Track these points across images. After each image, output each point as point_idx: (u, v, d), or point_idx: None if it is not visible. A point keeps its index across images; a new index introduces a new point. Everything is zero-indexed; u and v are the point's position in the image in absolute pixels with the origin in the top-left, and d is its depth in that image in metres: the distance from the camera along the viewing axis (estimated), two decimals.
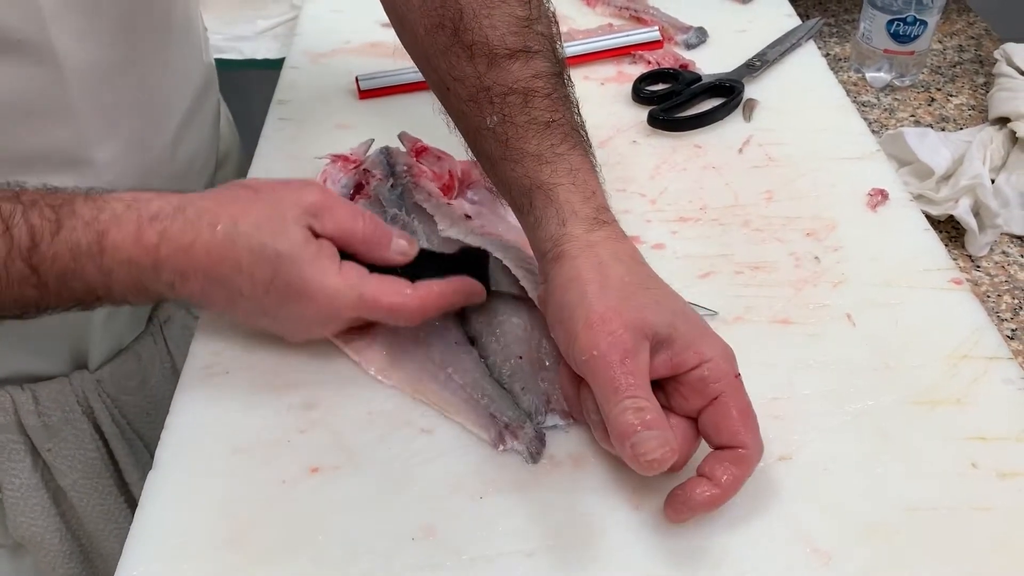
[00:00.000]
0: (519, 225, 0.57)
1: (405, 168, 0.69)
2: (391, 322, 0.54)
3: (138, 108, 0.64)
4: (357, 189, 0.68)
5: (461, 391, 0.54)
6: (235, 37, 1.07)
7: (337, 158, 0.69)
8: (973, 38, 1.06)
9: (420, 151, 0.71)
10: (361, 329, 0.57)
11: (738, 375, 0.47)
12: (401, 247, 0.54)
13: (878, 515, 0.48)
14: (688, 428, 0.47)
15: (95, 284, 0.48)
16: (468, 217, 0.65)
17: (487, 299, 0.58)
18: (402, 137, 0.74)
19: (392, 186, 0.68)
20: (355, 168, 0.69)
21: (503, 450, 0.51)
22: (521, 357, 0.55)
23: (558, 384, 0.53)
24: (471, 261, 0.57)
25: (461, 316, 0.59)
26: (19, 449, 0.68)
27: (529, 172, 0.53)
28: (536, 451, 0.51)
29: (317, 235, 0.51)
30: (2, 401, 0.66)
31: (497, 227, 0.64)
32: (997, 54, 0.94)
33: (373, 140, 0.73)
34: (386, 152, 0.71)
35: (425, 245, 0.60)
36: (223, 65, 1.06)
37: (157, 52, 0.65)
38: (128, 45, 0.61)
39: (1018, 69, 0.91)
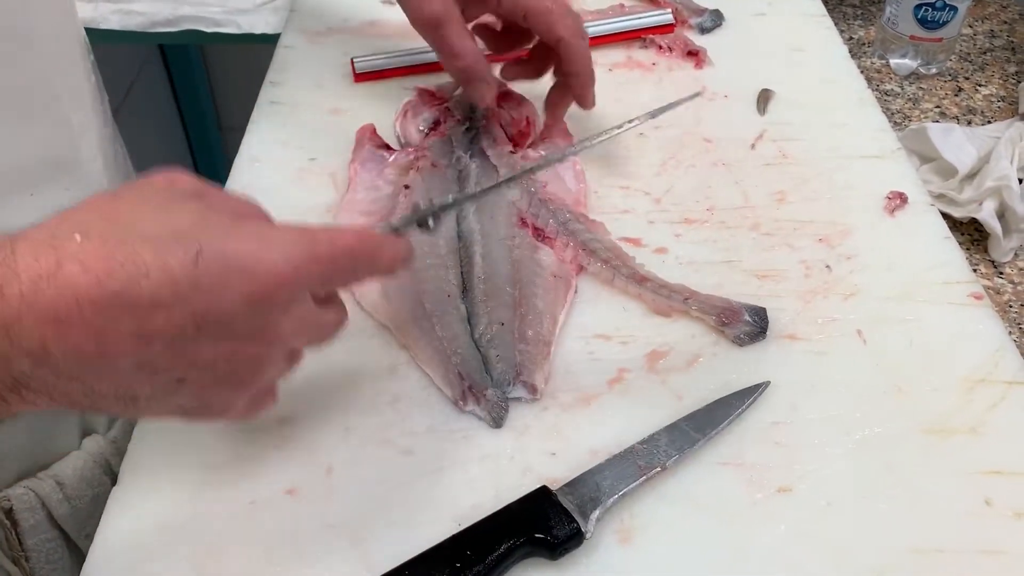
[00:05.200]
0: (576, 187, 0.65)
1: (484, 111, 0.69)
2: (367, 276, 0.42)
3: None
4: (434, 126, 0.69)
5: (438, 343, 0.54)
6: (234, 10, 1.03)
7: (424, 91, 0.71)
8: (1006, 23, 1.01)
9: (504, 95, 0.71)
10: None
11: None
12: None
13: (880, 557, 0.45)
14: None
15: None
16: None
17: (488, 248, 0.59)
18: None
19: (467, 129, 0.68)
20: (439, 105, 0.70)
21: (466, 411, 0.51)
22: (503, 324, 0.55)
23: (533, 358, 0.53)
24: None
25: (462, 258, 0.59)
26: (56, 547, 0.59)
27: None
28: (498, 416, 0.51)
29: None
30: (27, 499, 0.57)
31: (556, 186, 0.65)
32: None
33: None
34: None
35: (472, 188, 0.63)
36: (218, 39, 1.03)
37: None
38: None
39: None
